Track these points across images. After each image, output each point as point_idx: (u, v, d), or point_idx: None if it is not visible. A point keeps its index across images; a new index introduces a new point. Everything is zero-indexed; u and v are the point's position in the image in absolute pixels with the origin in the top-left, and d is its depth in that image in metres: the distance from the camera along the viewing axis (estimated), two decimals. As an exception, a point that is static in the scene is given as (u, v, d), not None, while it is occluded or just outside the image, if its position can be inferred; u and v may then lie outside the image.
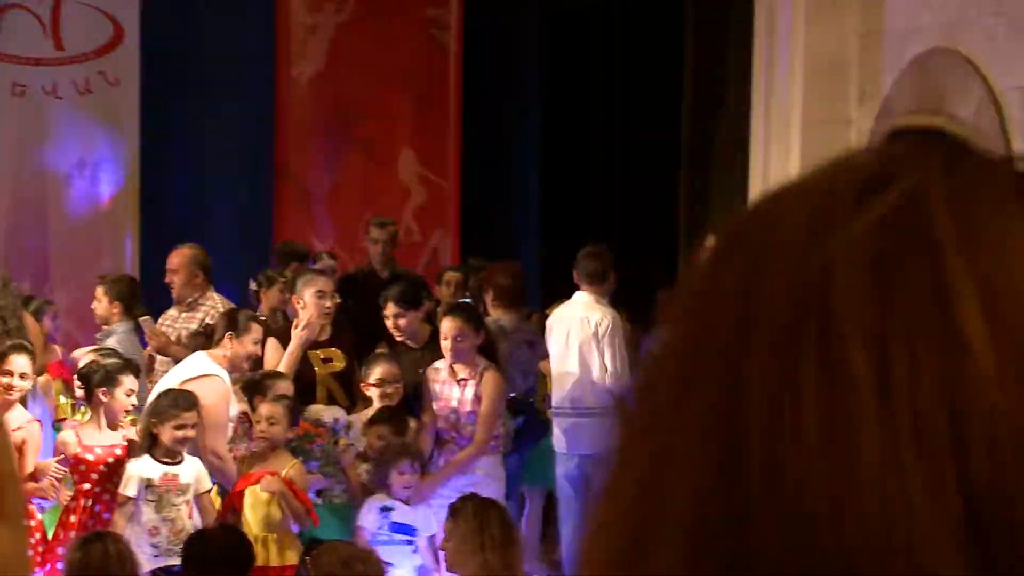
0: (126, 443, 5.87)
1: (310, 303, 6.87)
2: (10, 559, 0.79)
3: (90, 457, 5.79)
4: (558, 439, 7.27)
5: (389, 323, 6.84)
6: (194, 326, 7.38)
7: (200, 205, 10.09)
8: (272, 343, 6.93)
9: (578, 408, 7.22)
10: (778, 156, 7.68)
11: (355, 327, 7.18)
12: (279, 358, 6.84)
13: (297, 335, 6.75)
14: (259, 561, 5.38)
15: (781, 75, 7.70)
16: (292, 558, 5.72)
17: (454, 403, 6.55)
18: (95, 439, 5.85)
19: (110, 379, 5.93)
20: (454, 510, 4.82)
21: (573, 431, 7.22)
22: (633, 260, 7.76)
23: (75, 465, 5.84)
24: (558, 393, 7.27)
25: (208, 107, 10.25)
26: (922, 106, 7.03)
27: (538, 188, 10.66)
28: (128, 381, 5.96)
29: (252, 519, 5.73)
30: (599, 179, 10.21)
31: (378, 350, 6.91)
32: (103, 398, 5.87)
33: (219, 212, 10.04)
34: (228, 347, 6.31)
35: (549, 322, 7.41)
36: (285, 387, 6.34)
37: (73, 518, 5.76)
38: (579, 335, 7.24)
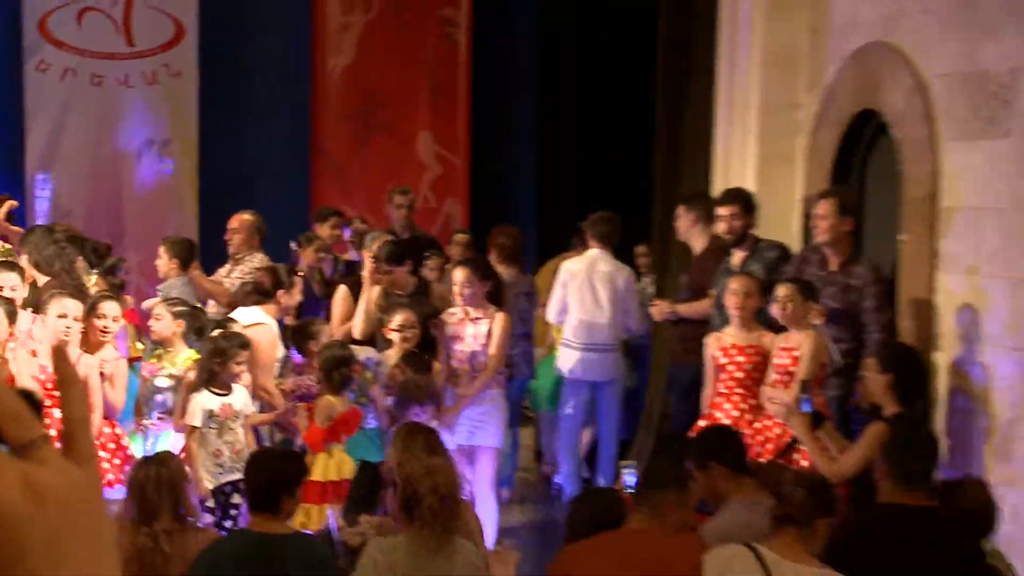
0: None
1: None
2: (86, 493, 0.81)
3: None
4: (572, 368, 7.79)
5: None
6: (235, 275, 7.68)
7: (249, 178, 10.28)
8: (343, 291, 7.22)
9: (593, 344, 7.77)
10: (739, 137, 7.95)
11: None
12: (347, 305, 7.08)
13: (368, 290, 6.92)
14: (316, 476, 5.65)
15: (741, 66, 7.93)
16: (346, 472, 5.90)
17: (469, 339, 6.63)
18: None
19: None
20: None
21: (586, 362, 7.79)
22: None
23: None
24: (578, 330, 7.76)
25: (256, 95, 10.48)
26: (860, 94, 7.03)
27: (534, 164, 10.84)
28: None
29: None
30: (587, 156, 10.48)
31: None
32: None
33: (264, 184, 10.24)
34: (282, 300, 6.60)
35: (567, 272, 7.80)
36: (329, 332, 6.71)
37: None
38: (607, 285, 7.75)
